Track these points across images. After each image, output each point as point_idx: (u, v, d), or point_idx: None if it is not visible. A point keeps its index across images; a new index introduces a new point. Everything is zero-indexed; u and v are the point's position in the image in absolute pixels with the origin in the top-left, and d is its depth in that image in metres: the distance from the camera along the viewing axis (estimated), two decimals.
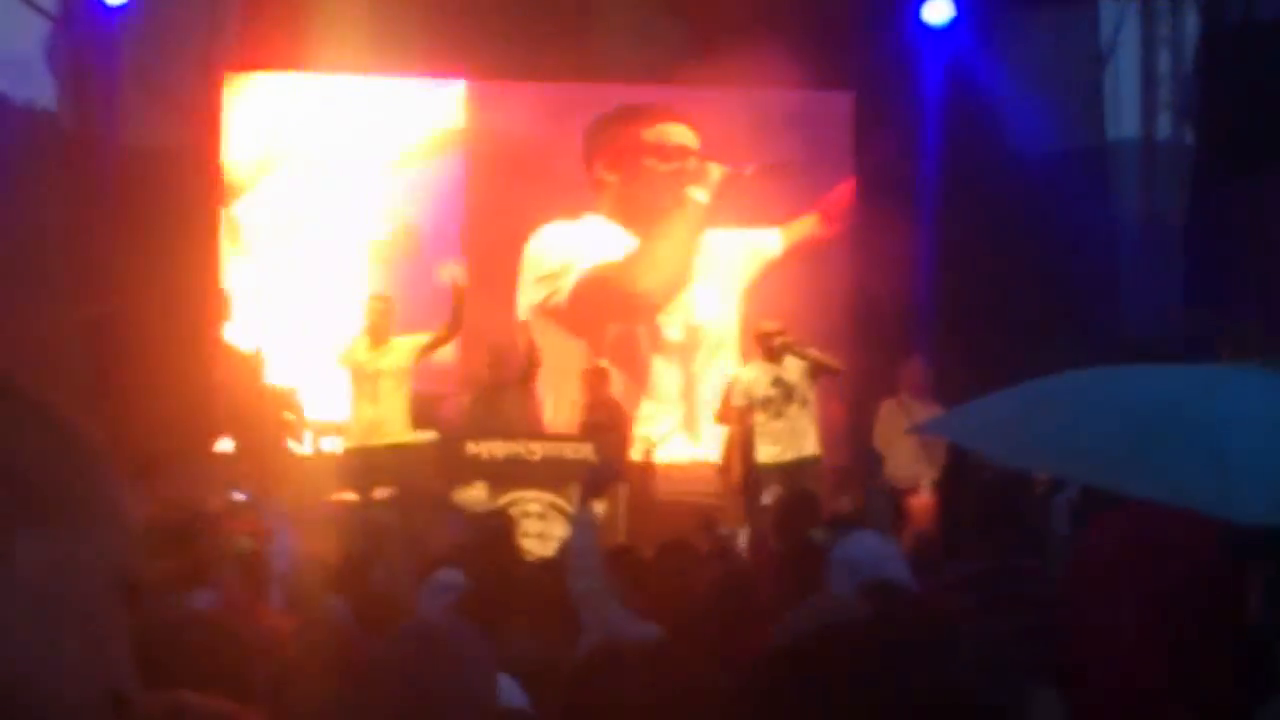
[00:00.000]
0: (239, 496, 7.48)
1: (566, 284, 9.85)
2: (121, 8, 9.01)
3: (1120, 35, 10.37)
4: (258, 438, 7.97)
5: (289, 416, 8.22)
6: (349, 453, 7.88)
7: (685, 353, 10.15)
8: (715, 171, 9.94)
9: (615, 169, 10.46)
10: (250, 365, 8.24)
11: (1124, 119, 10.57)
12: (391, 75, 9.71)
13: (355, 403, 7.77)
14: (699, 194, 10.17)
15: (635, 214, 10.31)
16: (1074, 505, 5.71)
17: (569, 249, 10.03)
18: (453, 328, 7.73)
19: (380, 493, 7.83)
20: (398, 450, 7.61)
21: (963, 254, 9.58)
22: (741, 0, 9.25)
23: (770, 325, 8.40)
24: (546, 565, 6.12)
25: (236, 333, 8.99)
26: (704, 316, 10.14)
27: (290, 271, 9.71)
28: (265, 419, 8.19)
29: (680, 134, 10.31)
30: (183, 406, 8.52)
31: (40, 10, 9.11)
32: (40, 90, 9.39)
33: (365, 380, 7.72)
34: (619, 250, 10.16)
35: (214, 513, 6.14)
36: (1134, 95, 10.69)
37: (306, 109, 9.84)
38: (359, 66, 9.43)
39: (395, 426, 7.74)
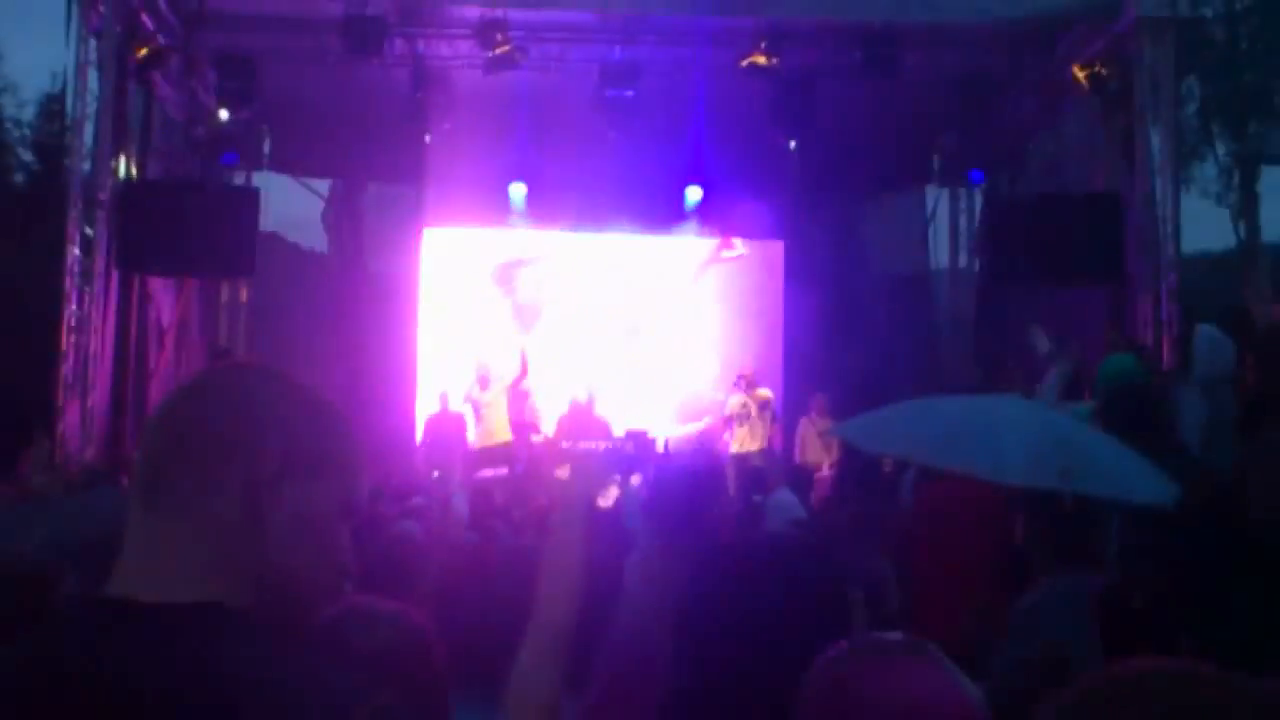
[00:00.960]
0: (435, 474, 11.35)
1: None
2: (365, 188, 13.42)
3: (937, 207, 14.29)
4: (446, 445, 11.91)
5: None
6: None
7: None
8: None
9: None
10: (442, 405, 12.14)
11: (940, 255, 14.39)
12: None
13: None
14: None
15: None
16: (914, 478, 6.33)
17: None
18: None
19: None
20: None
21: (846, 336, 12.81)
22: None
23: (746, 371, 11.79)
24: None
25: (433, 383, 12.48)
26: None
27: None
28: (450, 434, 12.06)
29: None
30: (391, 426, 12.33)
31: (316, 192, 13.71)
32: (317, 240, 13.72)
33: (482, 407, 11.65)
34: None
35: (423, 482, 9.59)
36: (945, 242, 14.30)
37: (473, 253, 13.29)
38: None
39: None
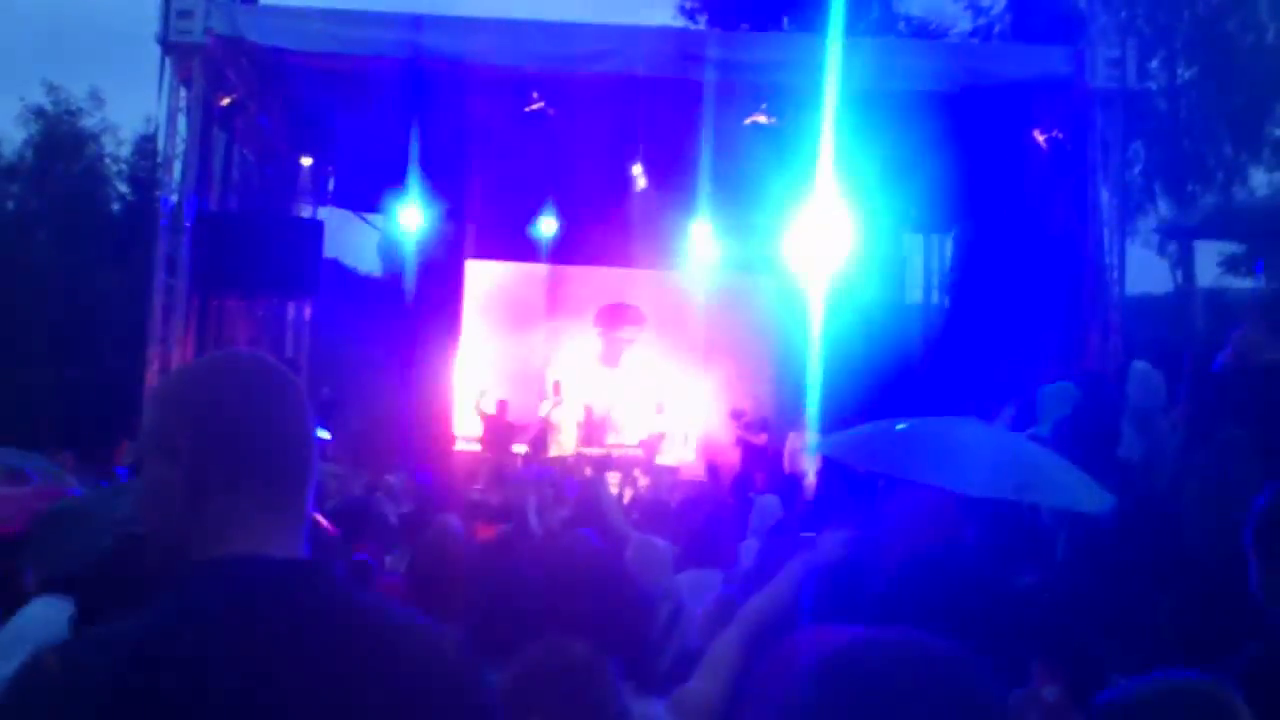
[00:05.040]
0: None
1: None
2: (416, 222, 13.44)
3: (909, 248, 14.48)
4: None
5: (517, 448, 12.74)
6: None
7: None
8: None
9: None
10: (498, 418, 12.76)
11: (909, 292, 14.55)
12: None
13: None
14: None
15: None
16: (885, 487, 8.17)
17: None
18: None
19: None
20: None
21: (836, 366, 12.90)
22: None
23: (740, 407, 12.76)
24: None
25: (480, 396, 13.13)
26: None
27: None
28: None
29: None
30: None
31: (373, 225, 13.84)
32: (372, 266, 13.90)
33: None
34: None
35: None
36: (919, 279, 14.55)
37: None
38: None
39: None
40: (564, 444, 12.98)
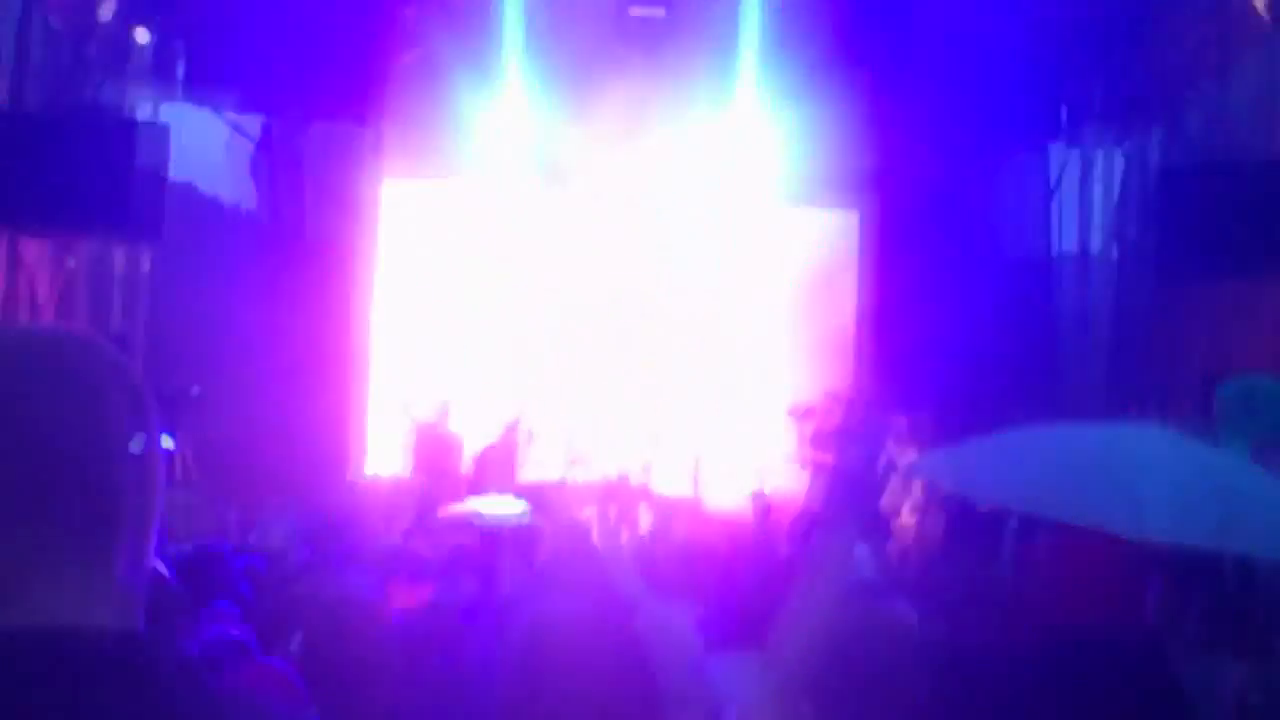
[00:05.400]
0: None
1: None
2: (307, 129, 13.55)
3: (1065, 173, 14.25)
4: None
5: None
6: None
7: None
8: None
9: None
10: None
11: (1065, 237, 14.34)
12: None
13: None
14: None
15: None
16: (1018, 531, 7.51)
17: None
18: None
19: None
20: None
21: (938, 340, 13.04)
22: None
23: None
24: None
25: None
26: None
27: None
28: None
29: None
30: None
31: (245, 134, 13.72)
32: (242, 194, 13.67)
33: None
34: None
35: None
36: (1073, 218, 14.20)
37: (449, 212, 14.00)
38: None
39: None
40: (542, 463, 13.15)
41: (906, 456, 11.74)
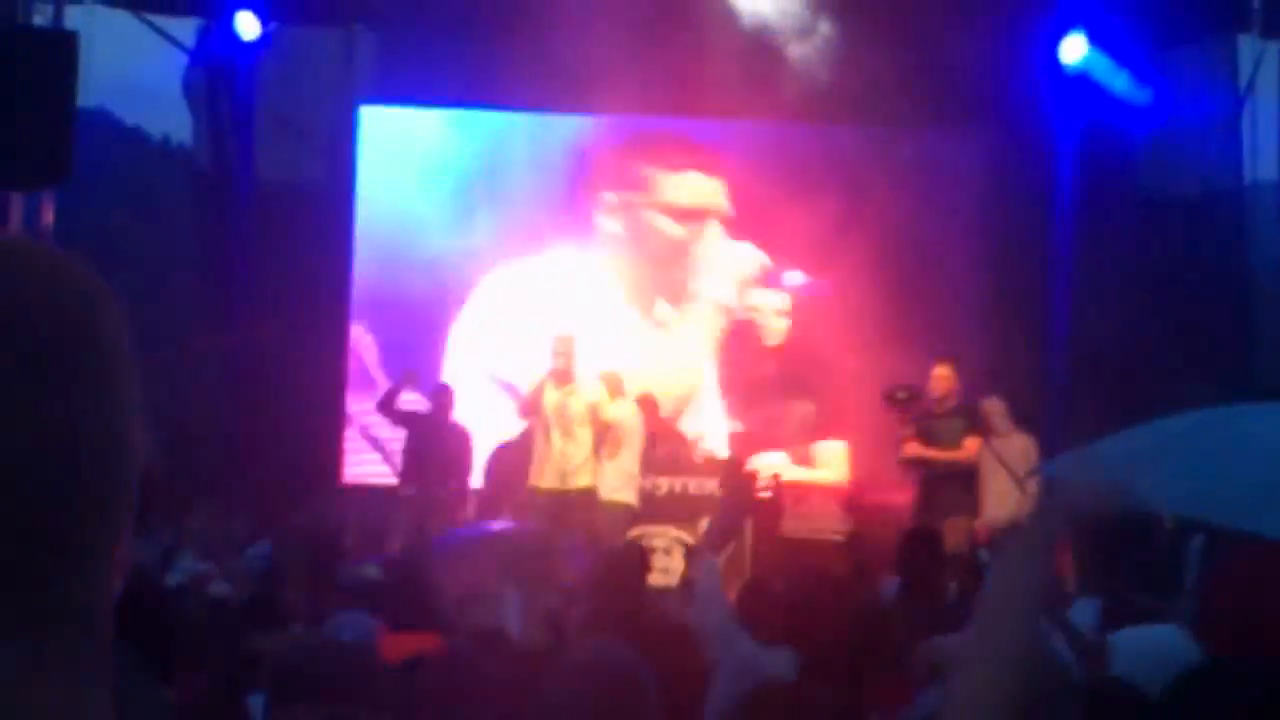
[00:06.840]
0: None
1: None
2: (256, 42, 13.32)
3: (1259, 74, 13.94)
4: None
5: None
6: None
7: None
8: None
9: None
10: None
11: (1261, 161, 14.10)
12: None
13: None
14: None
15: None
16: (1203, 549, 7.39)
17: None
18: None
19: None
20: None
21: (1095, 294, 13.49)
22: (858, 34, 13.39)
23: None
24: (668, 595, 9.36)
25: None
26: None
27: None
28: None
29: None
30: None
31: (176, 43, 13.72)
32: (176, 122, 13.63)
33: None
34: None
35: None
36: (1273, 136, 14.03)
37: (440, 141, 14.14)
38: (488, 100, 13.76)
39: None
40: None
41: (1008, 447, 12.10)
